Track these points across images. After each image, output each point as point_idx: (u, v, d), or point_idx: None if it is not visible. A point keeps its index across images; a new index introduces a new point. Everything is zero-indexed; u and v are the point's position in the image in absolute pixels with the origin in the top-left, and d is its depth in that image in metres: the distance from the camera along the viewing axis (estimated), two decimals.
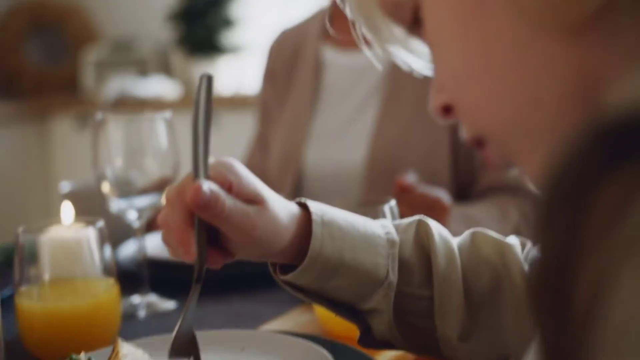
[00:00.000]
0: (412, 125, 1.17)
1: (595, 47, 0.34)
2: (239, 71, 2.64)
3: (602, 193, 0.26)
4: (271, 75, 1.34)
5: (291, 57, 1.31)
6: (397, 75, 1.18)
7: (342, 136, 1.23)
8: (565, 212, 0.27)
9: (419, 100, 1.15)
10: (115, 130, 0.87)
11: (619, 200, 0.26)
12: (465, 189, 1.17)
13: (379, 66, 0.59)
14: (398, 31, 0.46)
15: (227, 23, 2.59)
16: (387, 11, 0.44)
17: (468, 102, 0.40)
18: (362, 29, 0.47)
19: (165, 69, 2.81)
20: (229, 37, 2.61)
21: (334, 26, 1.27)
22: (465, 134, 0.42)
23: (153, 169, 0.88)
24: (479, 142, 0.42)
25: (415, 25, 0.43)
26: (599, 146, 0.27)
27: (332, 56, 1.26)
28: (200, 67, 2.64)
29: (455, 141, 1.14)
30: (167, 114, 0.89)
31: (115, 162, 0.87)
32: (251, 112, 2.40)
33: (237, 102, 2.49)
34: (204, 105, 0.58)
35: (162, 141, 0.88)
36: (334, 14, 1.24)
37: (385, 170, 1.16)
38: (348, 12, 0.47)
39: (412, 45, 0.47)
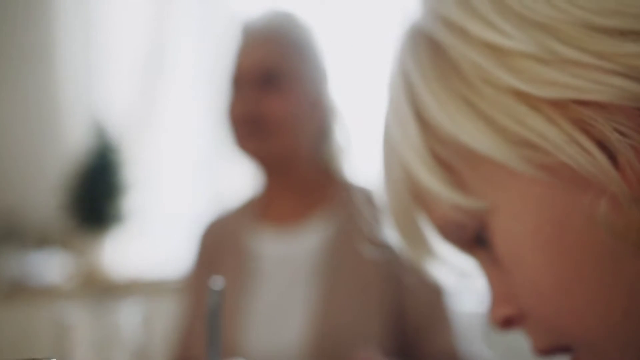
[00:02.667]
0: (350, 306, 1.18)
1: None
2: (131, 256, 2.58)
3: None
4: (203, 264, 1.33)
5: (222, 246, 1.31)
6: (333, 259, 1.21)
7: (277, 320, 1.22)
8: None
9: (356, 281, 1.19)
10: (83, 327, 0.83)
11: None
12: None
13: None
14: (439, 248, 0.47)
15: (120, 190, 2.54)
16: (446, 231, 0.45)
17: (554, 314, 0.41)
18: (399, 243, 0.48)
19: (51, 242, 2.68)
20: (121, 221, 2.56)
21: (270, 210, 1.31)
22: (538, 343, 0.43)
23: None
24: (558, 349, 0.43)
25: (474, 243, 0.45)
26: None
27: (266, 242, 1.27)
28: (90, 252, 2.56)
29: (389, 312, 1.17)
30: (140, 300, 0.87)
31: None
32: (148, 296, 2.35)
33: (132, 288, 2.42)
34: (217, 318, 0.59)
35: (135, 333, 0.85)
36: (270, 198, 1.27)
37: (326, 353, 1.16)
38: (388, 224, 0.48)
39: (449, 260, 0.48)
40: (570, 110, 0.38)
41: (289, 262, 1.25)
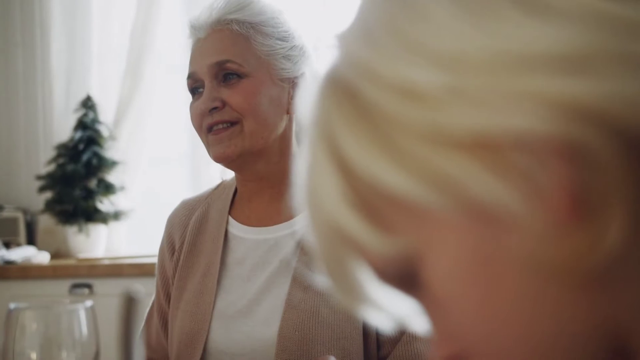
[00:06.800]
0: (324, 301, 1.16)
1: (607, 294, 0.38)
2: (114, 237, 2.58)
3: None
4: (170, 248, 1.29)
5: (193, 229, 1.27)
6: (307, 250, 1.18)
7: (251, 312, 1.19)
8: None
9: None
10: (30, 321, 0.81)
11: None
12: None
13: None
14: (371, 292, 0.45)
15: (104, 189, 2.54)
16: (381, 273, 0.43)
17: (486, 349, 0.41)
18: (330, 288, 0.46)
19: (34, 235, 2.69)
20: (105, 203, 2.56)
21: (235, 207, 1.29)
22: None
23: None
24: None
25: (411, 284, 0.43)
26: None
27: (240, 230, 1.24)
28: (72, 233, 2.55)
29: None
30: (89, 302, 0.84)
31: (29, 357, 0.81)
32: (126, 278, 2.34)
33: (112, 269, 2.41)
34: (129, 323, 0.58)
35: (83, 332, 0.83)
36: (244, 195, 1.25)
37: (299, 348, 1.13)
38: (317, 267, 0.46)
39: (382, 302, 0.47)
40: (488, 149, 0.37)
41: (264, 247, 1.22)
